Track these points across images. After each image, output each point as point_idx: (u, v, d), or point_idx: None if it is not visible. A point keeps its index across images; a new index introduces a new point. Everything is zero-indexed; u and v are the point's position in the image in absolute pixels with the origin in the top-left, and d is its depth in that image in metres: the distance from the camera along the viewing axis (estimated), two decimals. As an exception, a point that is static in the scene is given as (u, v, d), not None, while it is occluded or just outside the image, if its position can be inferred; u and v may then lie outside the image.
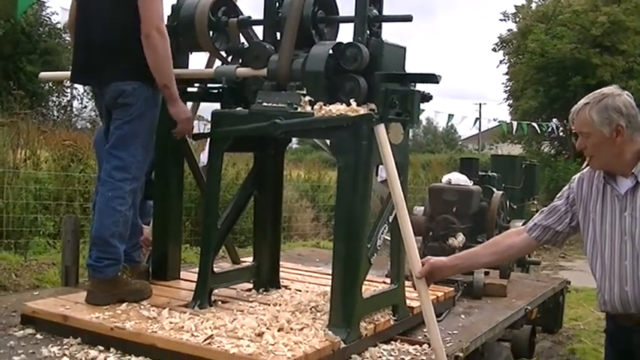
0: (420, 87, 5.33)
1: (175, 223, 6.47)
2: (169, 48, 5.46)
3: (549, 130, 33.51)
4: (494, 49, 36.92)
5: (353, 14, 5.33)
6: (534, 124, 31.02)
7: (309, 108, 5.16)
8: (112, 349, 4.74)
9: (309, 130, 5.28)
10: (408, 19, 5.48)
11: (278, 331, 4.83)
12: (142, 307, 5.38)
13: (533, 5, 36.46)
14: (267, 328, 4.86)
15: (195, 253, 12.78)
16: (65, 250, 6.81)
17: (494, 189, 9.20)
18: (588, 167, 4.57)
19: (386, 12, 5.57)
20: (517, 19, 36.60)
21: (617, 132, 4.22)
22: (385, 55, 5.21)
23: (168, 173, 6.34)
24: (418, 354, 5.17)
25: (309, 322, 5.06)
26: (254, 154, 6.17)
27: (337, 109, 5.01)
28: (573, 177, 4.70)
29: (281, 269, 6.62)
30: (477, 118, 37.18)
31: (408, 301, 5.77)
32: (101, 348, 4.77)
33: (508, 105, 37.36)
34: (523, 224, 10.31)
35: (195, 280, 5.66)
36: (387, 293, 5.64)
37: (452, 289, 6.83)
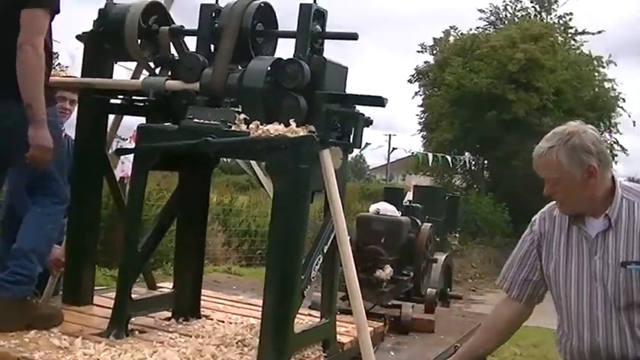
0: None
1: (91, 244, 6.04)
2: (41, 66, 4.94)
3: (462, 163, 33.63)
4: (409, 81, 37.03)
5: (293, 29, 5.03)
6: (447, 157, 31.12)
7: (244, 127, 4.80)
8: (18, 382, 4.28)
9: (243, 150, 4.89)
10: (353, 37, 5.16)
11: (202, 367, 4.46)
12: (53, 334, 4.91)
13: (452, 39, 36.67)
14: (192, 364, 4.48)
15: (103, 275, 12.33)
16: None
17: (419, 220, 8.92)
18: (548, 205, 4.29)
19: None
20: (435, 52, 36.76)
21: (590, 173, 3.93)
22: (327, 74, 4.88)
23: (85, 190, 5.91)
24: (350, 395, 4.85)
25: (236, 357, 4.68)
26: (179, 173, 5.78)
27: (275, 129, 4.66)
28: (533, 218, 4.43)
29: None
30: (393, 148, 37.13)
31: (338, 337, 5.41)
32: (6, 380, 4.29)
33: (422, 137, 37.47)
34: (446, 257, 10.31)
35: (111, 305, 5.22)
36: (318, 328, 5.27)
37: (381, 324, 6.51)
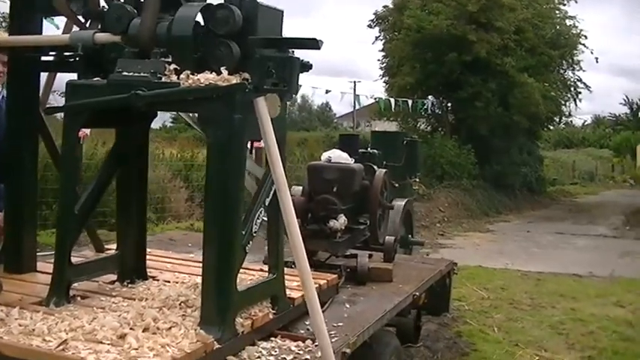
0: (300, 55, 4.82)
1: (30, 208, 5.84)
2: None
3: (425, 107, 33.43)
4: (369, 26, 36.49)
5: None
6: (409, 101, 30.91)
7: (174, 77, 4.57)
8: (-53, 359, 4.08)
9: (174, 101, 4.63)
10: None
11: (143, 331, 4.28)
12: (-11, 305, 4.72)
13: (410, -20, 36.35)
14: (131, 329, 4.30)
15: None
16: None
17: (376, 167, 8.71)
18: None
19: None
20: (392, -5, 36.45)
21: None
22: (260, 18, 4.63)
23: (21, 152, 5.70)
24: (301, 352, 4.67)
25: (179, 319, 4.48)
26: (115, 130, 5.54)
27: (206, 77, 4.44)
28: None
29: (149, 257, 6.03)
30: (356, 95, 36.89)
31: (288, 292, 5.24)
32: None
33: (384, 82, 37.16)
34: (406, 203, 10.13)
35: (54, 272, 5.01)
36: (265, 284, 5.09)
37: (335, 275, 6.33)
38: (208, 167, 4.52)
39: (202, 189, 18.39)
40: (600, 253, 18.86)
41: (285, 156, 5.06)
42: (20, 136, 5.67)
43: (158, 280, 5.65)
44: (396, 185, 10.70)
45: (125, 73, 4.69)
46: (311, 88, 30.83)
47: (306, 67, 4.86)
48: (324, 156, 7.86)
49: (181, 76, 4.53)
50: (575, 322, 10.84)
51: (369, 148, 10.39)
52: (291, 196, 7.73)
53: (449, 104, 34.23)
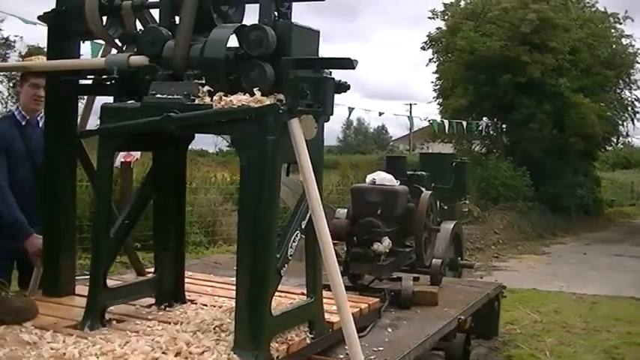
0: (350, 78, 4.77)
1: (68, 230, 5.79)
2: None
3: (480, 128, 33.17)
4: (423, 48, 36.39)
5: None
6: (464, 123, 30.68)
7: (208, 99, 4.52)
8: (-22, 384, 4.04)
9: (207, 124, 4.58)
10: (319, -2, 4.86)
11: (175, 355, 4.22)
12: (24, 329, 4.71)
13: (462, 3, 36.08)
14: (163, 353, 4.24)
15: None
16: None
17: (424, 189, 8.61)
18: None
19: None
20: (446, 17, 36.22)
21: None
22: (295, 38, 4.57)
23: (58, 174, 5.68)
24: (337, 378, 4.57)
25: (212, 344, 4.41)
26: (152, 153, 5.52)
27: (239, 99, 4.39)
28: None
29: (190, 280, 5.99)
30: (408, 116, 36.76)
31: (327, 316, 5.14)
32: (-35, 382, 4.06)
33: (438, 104, 36.96)
34: (455, 225, 10.00)
35: (93, 296, 4.97)
36: (301, 308, 4.99)
37: (377, 299, 6.23)
38: (241, 190, 4.47)
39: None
40: (659, 276, 18.42)
41: (322, 178, 5.00)
42: (58, 160, 5.66)
43: (196, 303, 5.59)
44: (445, 207, 10.58)
45: (158, 96, 4.67)
46: (364, 111, 30.75)
47: (343, 87, 4.80)
48: (369, 178, 7.78)
49: (214, 97, 4.48)
50: (630, 346, 10.53)
51: (417, 171, 10.27)
52: (336, 219, 7.76)
53: (503, 126, 33.94)
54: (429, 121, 32.33)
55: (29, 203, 6.07)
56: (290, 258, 4.63)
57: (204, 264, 8.61)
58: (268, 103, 4.35)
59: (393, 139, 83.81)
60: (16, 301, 4.99)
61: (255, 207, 4.35)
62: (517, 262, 20.86)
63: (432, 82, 36.14)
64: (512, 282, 15.59)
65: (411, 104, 47.52)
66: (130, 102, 4.92)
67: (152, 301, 5.52)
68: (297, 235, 4.70)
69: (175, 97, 4.60)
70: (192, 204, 18.55)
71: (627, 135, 38.23)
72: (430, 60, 35.95)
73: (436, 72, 35.77)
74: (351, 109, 23.13)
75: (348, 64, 4.47)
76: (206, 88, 4.59)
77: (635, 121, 36.21)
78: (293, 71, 4.47)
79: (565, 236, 28.69)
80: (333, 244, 7.97)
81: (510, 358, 9.66)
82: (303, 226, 4.74)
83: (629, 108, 35.79)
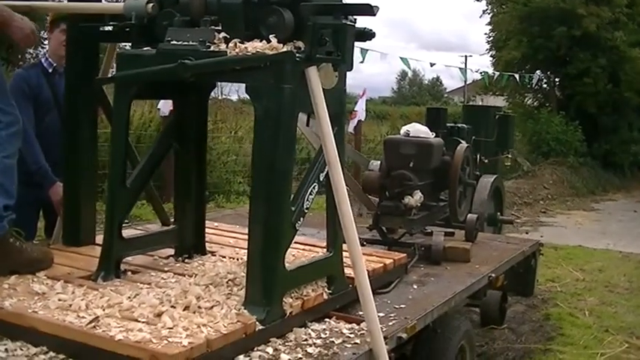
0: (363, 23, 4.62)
1: (88, 180, 5.69)
2: None
3: (532, 81, 32.70)
4: (477, -1, 36.05)
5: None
6: (515, 76, 30.22)
7: (223, 46, 4.37)
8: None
9: (222, 72, 4.42)
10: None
11: (183, 309, 4.10)
12: (36, 279, 4.64)
13: (518, -46, 35.53)
14: (172, 306, 4.12)
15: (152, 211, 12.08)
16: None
17: (464, 142, 8.40)
18: None
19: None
20: (501, -32, 35.71)
21: None
22: (315, -16, 4.40)
23: (78, 122, 5.58)
24: (352, 335, 4.42)
25: (222, 298, 4.29)
26: (173, 101, 5.38)
27: (254, 46, 4.25)
28: None
29: (214, 231, 5.89)
30: (460, 68, 36.32)
31: (348, 271, 4.94)
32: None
33: (490, 56, 36.46)
34: (495, 179, 9.79)
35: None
36: (319, 262, 4.85)
37: (403, 255, 6.06)
38: (255, 140, 4.30)
39: (298, 162, 18.33)
40: None
41: (344, 130, 4.84)
42: (79, 108, 5.55)
43: (215, 255, 5.47)
44: (486, 161, 10.36)
45: (174, 42, 4.54)
46: (416, 61, 30.50)
47: (367, 35, 4.65)
48: (403, 130, 7.57)
49: (229, 45, 4.33)
50: (673, 307, 10.34)
51: (458, 123, 10.04)
52: (369, 171, 7.59)
53: (557, 80, 33.37)
54: (481, 73, 31.93)
55: (55, 152, 5.99)
56: (306, 211, 4.48)
57: (238, 214, 8.47)
58: (284, 50, 4.19)
59: (447, 90, 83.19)
60: (33, 251, 4.89)
61: (269, 158, 4.21)
62: (565, 217, 20.58)
63: (485, 34, 35.62)
64: (558, 238, 15.42)
65: (466, 56, 46.86)
66: (146, 49, 4.79)
67: (173, 252, 5.43)
68: (314, 188, 4.54)
69: (191, 43, 4.46)
70: (236, 153, 18.45)
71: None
72: (484, 11, 35.47)
73: (489, 24, 35.28)
74: (404, 59, 22.57)
75: (367, 10, 4.28)
76: (222, 34, 4.44)
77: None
78: (313, 17, 4.28)
79: (616, 193, 28.22)
80: (368, 195, 7.87)
81: (548, 317, 9.50)
82: (321, 179, 4.58)
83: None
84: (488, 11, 35.35)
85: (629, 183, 30.86)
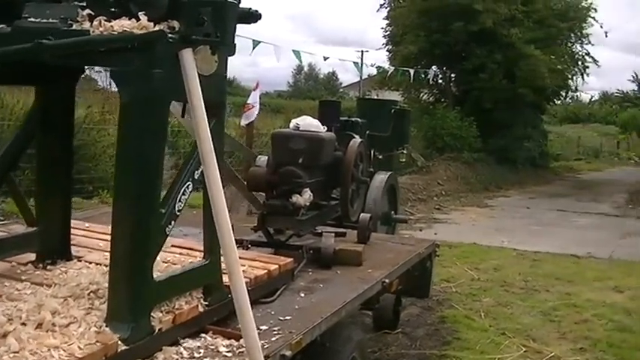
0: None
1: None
2: None
3: (428, 77, 32.63)
4: (376, -6, 35.80)
5: None
6: (410, 71, 30.12)
7: (87, 24, 3.82)
8: None
9: (85, 53, 3.87)
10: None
11: (35, 328, 3.55)
12: None
13: (417, -53, 35.43)
14: (23, 324, 3.58)
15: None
16: None
17: (357, 136, 7.96)
18: None
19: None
20: (399, -38, 35.57)
21: None
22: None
23: None
24: (230, 353, 3.95)
25: (81, 314, 3.76)
26: (35, 87, 4.79)
27: (121, 24, 3.70)
28: None
29: (84, 232, 5.33)
30: (355, 63, 36.03)
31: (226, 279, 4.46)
32: None
33: (387, 51, 36.31)
34: (389, 176, 9.40)
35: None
36: (194, 271, 4.33)
37: (290, 260, 5.57)
38: (120, 131, 3.78)
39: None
40: (601, 232, 18.09)
41: (224, 122, 4.35)
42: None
43: (81, 261, 4.90)
44: (380, 157, 9.96)
45: (32, 20, 3.96)
46: (309, 55, 30.00)
47: (253, 16, 4.18)
48: (293, 123, 7.04)
49: (94, 23, 3.79)
50: (569, 308, 10.12)
51: (351, 117, 9.61)
52: (256, 167, 7.08)
53: (452, 75, 33.45)
54: (377, 67, 31.72)
55: None
56: (178, 214, 3.97)
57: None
58: (155, 30, 3.66)
59: (342, 85, 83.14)
60: None
61: (136, 153, 3.69)
62: (459, 214, 20.46)
63: (382, 29, 35.46)
64: (453, 236, 15.24)
65: (362, 51, 46.65)
66: (0, 26, 4.21)
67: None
68: (188, 187, 4.03)
69: (51, 21, 3.89)
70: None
71: (576, 89, 38.08)
72: (381, 5, 35.27)
73: (387, 18, 35.11)
74: (296, 52, 22.14)
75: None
76: (87, 11, 3.88)
77: (585, 75, 35.94)
78: (189, -5, 3.78)
79: (510, 189, 28.39)
80: (254, 194, 7.37)
81: (444, 320, 9.19)
82: (196, 177, 4.07)
83: (580, 62, 35.45)
84: (386, 5, 35.19)
85: (523, 179, 31.17)
